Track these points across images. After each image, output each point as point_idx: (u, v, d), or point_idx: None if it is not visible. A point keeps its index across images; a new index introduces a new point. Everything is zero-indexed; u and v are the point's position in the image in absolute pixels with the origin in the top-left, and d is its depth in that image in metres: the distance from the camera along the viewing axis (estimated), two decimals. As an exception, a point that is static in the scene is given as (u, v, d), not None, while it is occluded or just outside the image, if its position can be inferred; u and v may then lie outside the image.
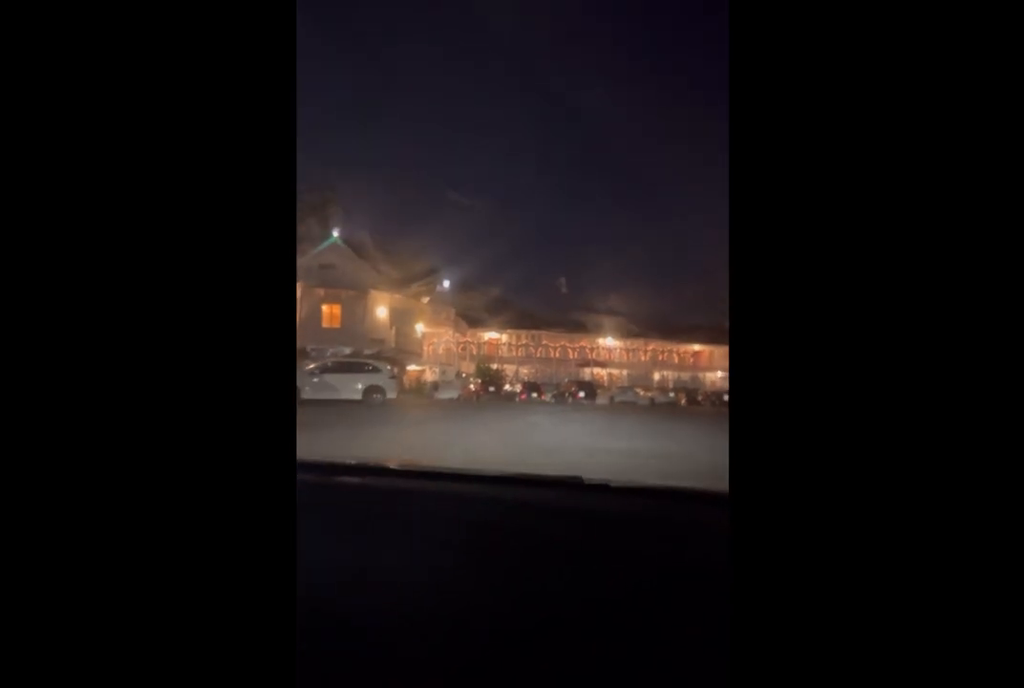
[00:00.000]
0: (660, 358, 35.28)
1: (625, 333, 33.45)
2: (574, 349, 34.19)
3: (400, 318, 25.28)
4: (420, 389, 24.40)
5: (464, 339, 31.83)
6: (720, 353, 35.20)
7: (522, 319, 32.59)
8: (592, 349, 34.35)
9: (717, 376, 34.11)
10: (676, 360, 35.61)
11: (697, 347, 35.26)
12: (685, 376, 34.47)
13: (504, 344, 33.26)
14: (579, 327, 33.29)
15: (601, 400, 23.79)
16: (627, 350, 34.84)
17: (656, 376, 34.40)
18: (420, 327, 29.07)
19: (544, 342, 33.75)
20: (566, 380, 27.33)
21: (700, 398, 26.17)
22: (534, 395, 23.76)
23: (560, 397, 24.13)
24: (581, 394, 23.54)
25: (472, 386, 24.19)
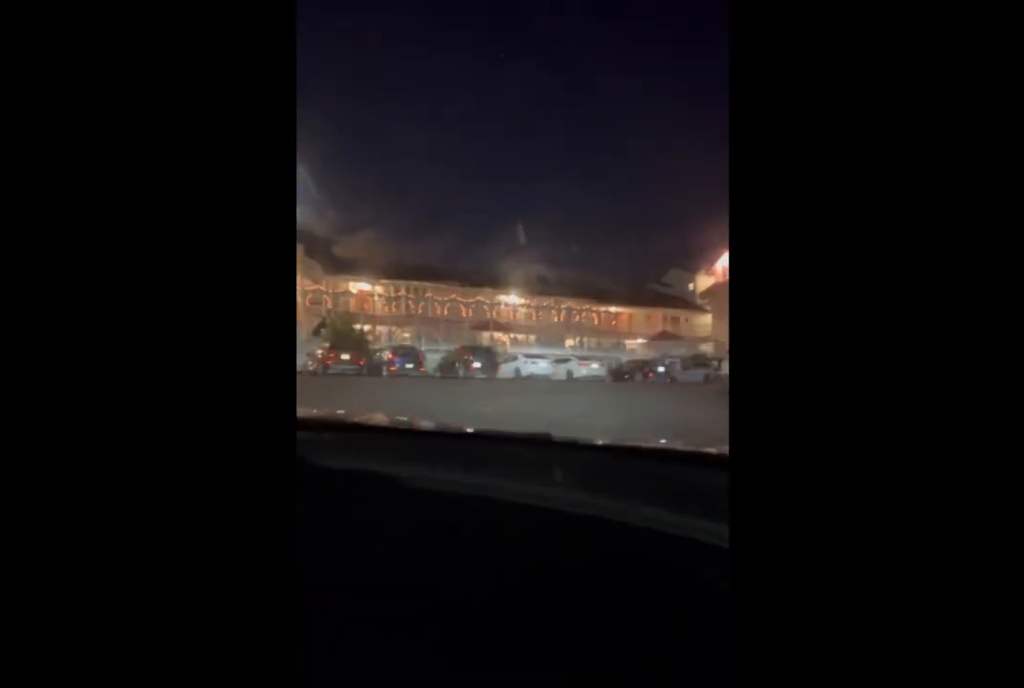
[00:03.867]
0: (576, 319, 29.10)
1: (534, 288, 26.82)
2: (468, 306, 26.97)
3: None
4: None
5: (316, 287, 23.81)
6: (642, 316, 29.73)
7: (403, 267, 24.88)
8: (492, 306, 27.41)
9: (637, 343, 28.63)
10: (596, 322, 29.60)
11: (616, 308, 29.49)
12: (606, 343, 28.61)
13: (376, 297, 25.51)
14: (475, 279, 26.09)
15: (504, 372, 17.29)
16: (536, 309, 28.25)
17: (570, 342, 28.22)
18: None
19: (429, 295, 26.26)
20: (457, 346, 20.36)
21: (625, 372, 20.19)
22: (409, 366, 16.68)
23: (448, 368, 17.36)
24: (476, 365, 16.89)
25: (319, 353, 16.59)
